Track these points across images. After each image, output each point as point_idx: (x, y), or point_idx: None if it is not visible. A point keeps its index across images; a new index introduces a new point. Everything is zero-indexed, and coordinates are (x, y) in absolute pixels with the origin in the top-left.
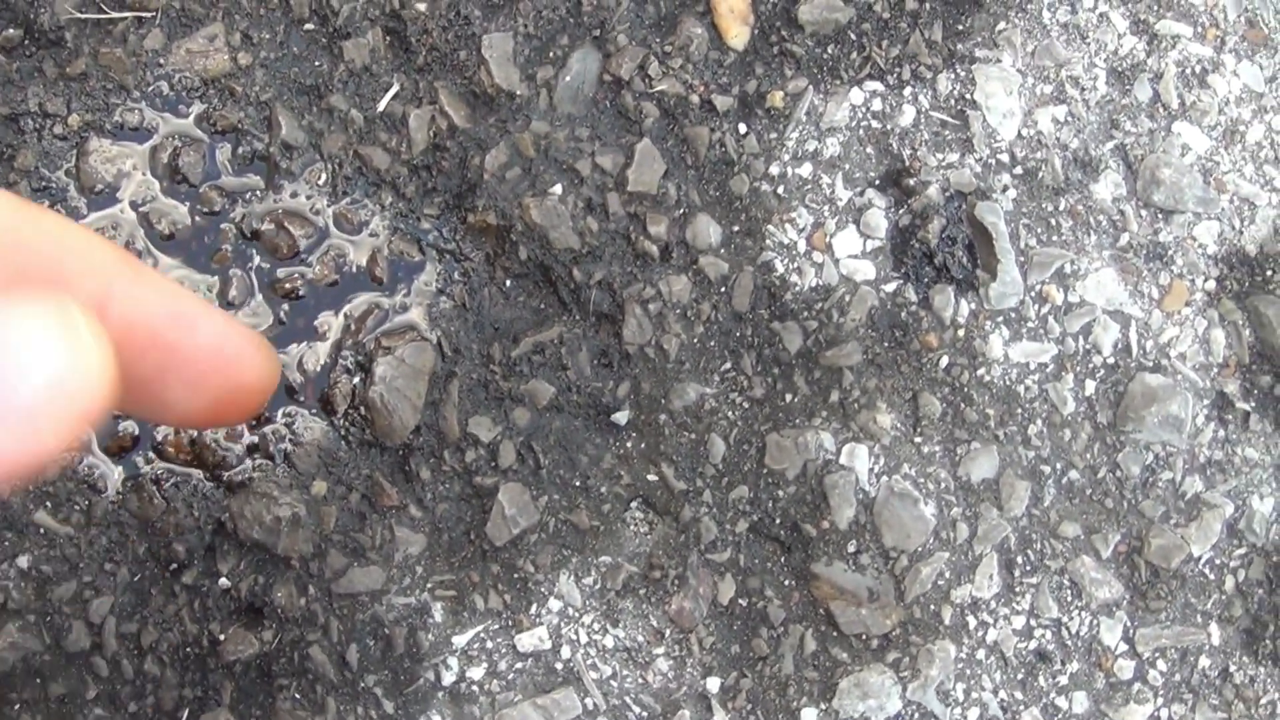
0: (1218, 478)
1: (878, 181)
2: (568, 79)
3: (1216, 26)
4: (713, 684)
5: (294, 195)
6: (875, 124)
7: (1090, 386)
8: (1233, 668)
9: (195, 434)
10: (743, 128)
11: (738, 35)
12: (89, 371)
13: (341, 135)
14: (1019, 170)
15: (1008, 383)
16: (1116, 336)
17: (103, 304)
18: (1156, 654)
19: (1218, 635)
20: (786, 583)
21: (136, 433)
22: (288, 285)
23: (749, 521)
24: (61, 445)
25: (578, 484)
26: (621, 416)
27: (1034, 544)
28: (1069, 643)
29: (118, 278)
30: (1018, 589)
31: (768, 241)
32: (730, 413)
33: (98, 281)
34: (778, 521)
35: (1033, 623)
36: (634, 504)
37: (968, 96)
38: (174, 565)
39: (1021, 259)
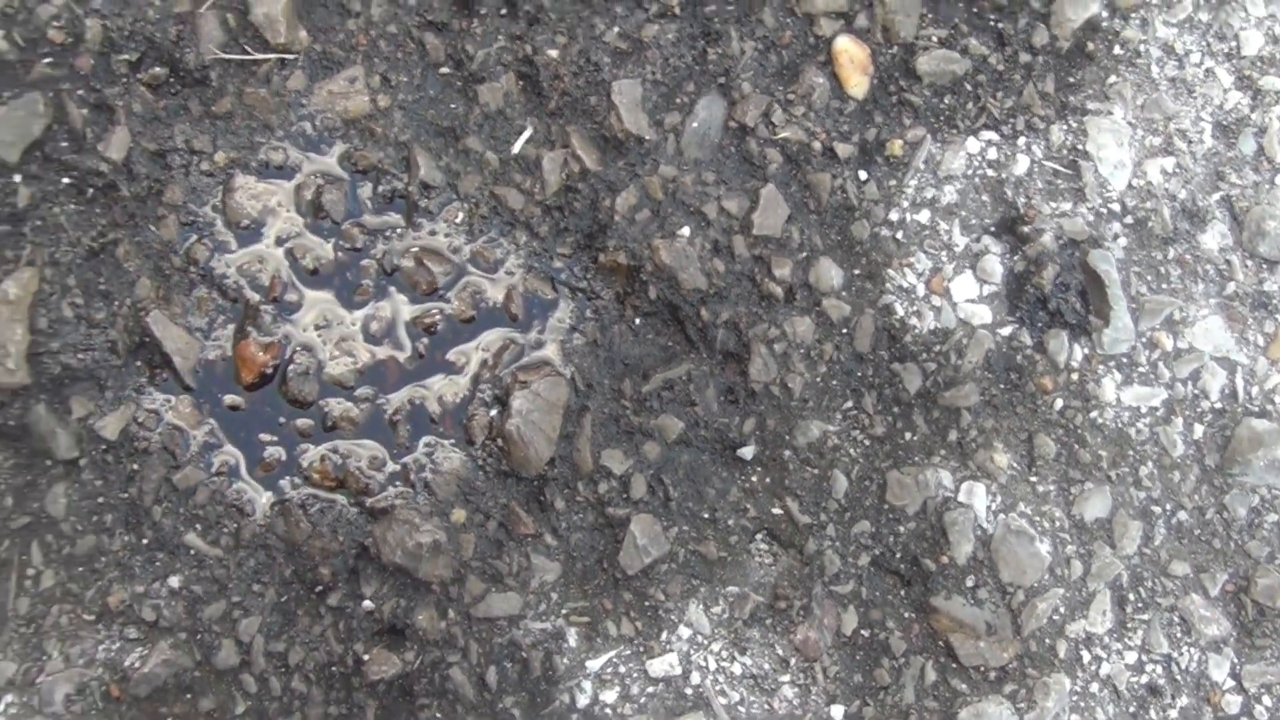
0: None
1: (993, 228)
2: (694, 125)
3: None
4: (836, 712)
5: (432, 233)
6: (991, 172)
7: (1199, 430)
8: None
9: (340, 459)
10: (863, 174)
11: (858, 85)
12: None
13: (477, 176)
14: (1129, 219)
15: (1119, 425)
16: (1224, 382)
17: None
18: (1262, 690)
19: None
20: (907, 615)
21: (283, 457)
22: (427, 320)
23: (871, 555)
24: None
25: (706, 516)
26: (747, 451)
27: (1145, 581)
28: (1179, 678)
29: None
30: (1129, 625)
31: (888, 285)
32: (852, 450)
33: None
34: (898, 556)
35: (1144, 658)
36: (759, 536)
37: (1080, 147)
38: (319, 587)
39: (1133, 306)
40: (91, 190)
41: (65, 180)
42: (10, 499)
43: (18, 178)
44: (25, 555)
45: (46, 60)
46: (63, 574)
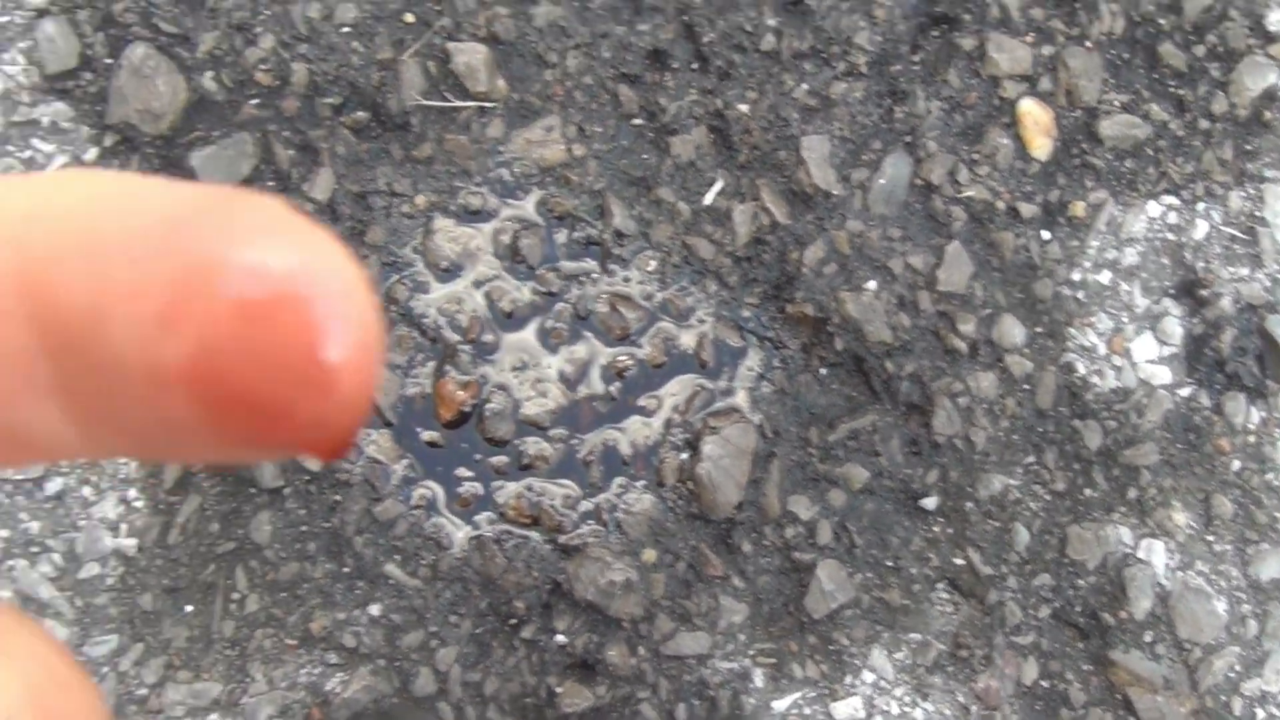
0: None
1: (1173, 291)
2: (881, 181)
3: None
4: None
5: (626, 280)
6: (1170, 236)
7: None
8: None
9: (535, 497)
10: (1045, 234)
11: (1041, 147)
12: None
13: (669, 225)
14: None
15: None
16: None
17: (20, 233)
18: None
19: None
20: (1085, 668)
21: (480, 493)
22: (619, 364)
23: (1051, 608)
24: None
25: (889, 564)
26: (930, 502)
27: None
28: None
29: (43, 198)
30: None
31: (1069, 344)
32: (1033, 504)
33: (12, 209)
34: (1078, 609)
35: None
36: (941, 585)
37: (1257, 214)
38: (514, 620)
39: None
40: None
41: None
42: (217, 525)
43: None
44: (230, 580)
45: (254, 102)
46: (267, 599)
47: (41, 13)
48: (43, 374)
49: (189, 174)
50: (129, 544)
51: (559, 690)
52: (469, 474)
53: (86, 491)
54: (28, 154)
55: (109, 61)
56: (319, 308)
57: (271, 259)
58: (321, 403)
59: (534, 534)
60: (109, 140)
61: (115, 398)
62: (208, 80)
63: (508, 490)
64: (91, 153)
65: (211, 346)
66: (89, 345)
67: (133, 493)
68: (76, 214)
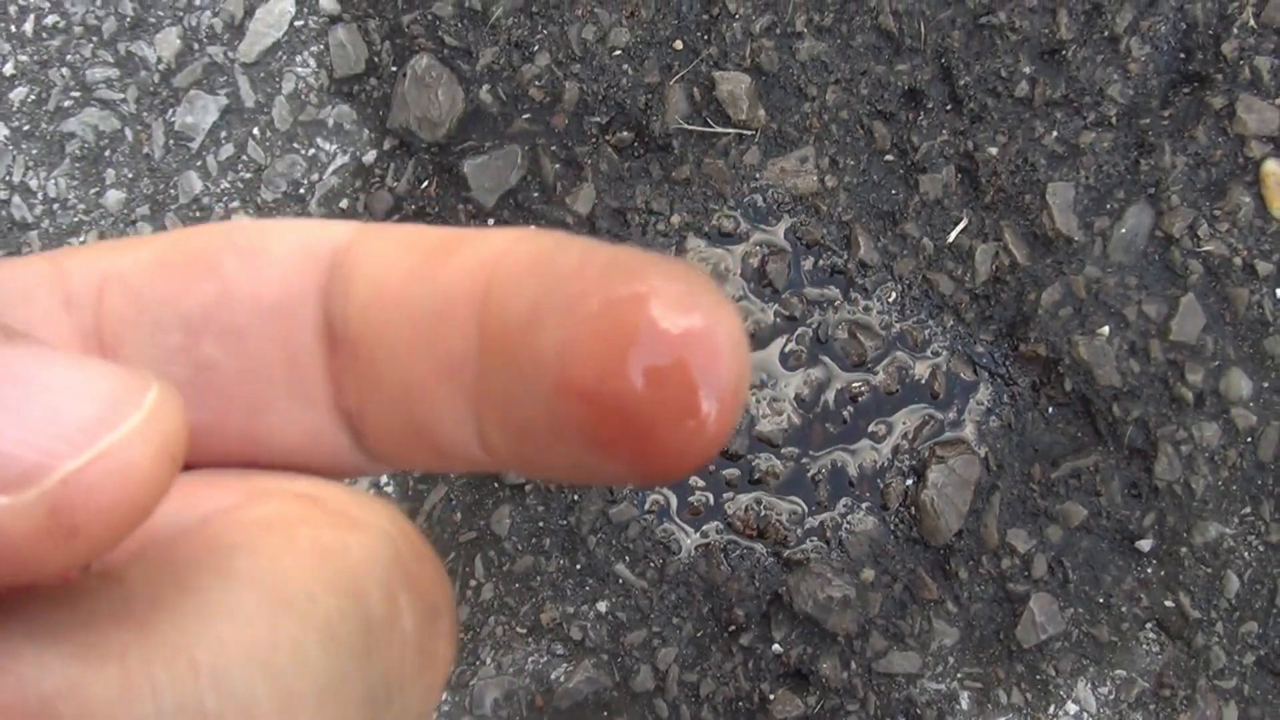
0: None
1: None
2: (1122, 230)
3: None
4: None
5: (866, 309)
6: None
7: None
8: None
9: (763, 510)
10: (1279, 293)
11: None
12: (132, 439)
13: (912, 260)
14: None
15: None
16: None
17: (495, 261)
18: None
19: None
20: None
21: (710, 503)
22: (854, 390)
23: (1256, 655)
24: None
25: (1100, 600)
26: (1145, 544)
27: None
28: None
29: (516, 239)
30: None
31: None
32: (1246, 553)
33: (490, 249)
34: None
35: None
36: (1149, 625)
37: None
38: (733, 627)
39: None
40: None
41: (533, 227)
42: (460, 514)
43: (491, 222)
44: (469, 568)
45: (525, 116)
46: (501, 588)
47: (335, 19)
48: (469, 376)
49: (460, 180)
50: None
51: (772, 697)
52: (701, 484)
53: None
54: (312, 152)
55: (394, 69)
56: (710, 364)
57: (685, 318)
58: (688, 438)
59: (759, 546)
60: (388, 144)
61: (520, 404)
62: (484, 93)
63: (737, 502)
64: (371, 155)
65: (615, 373)
66: (518, 350)
67: (384, 479)
68: (535, 248)
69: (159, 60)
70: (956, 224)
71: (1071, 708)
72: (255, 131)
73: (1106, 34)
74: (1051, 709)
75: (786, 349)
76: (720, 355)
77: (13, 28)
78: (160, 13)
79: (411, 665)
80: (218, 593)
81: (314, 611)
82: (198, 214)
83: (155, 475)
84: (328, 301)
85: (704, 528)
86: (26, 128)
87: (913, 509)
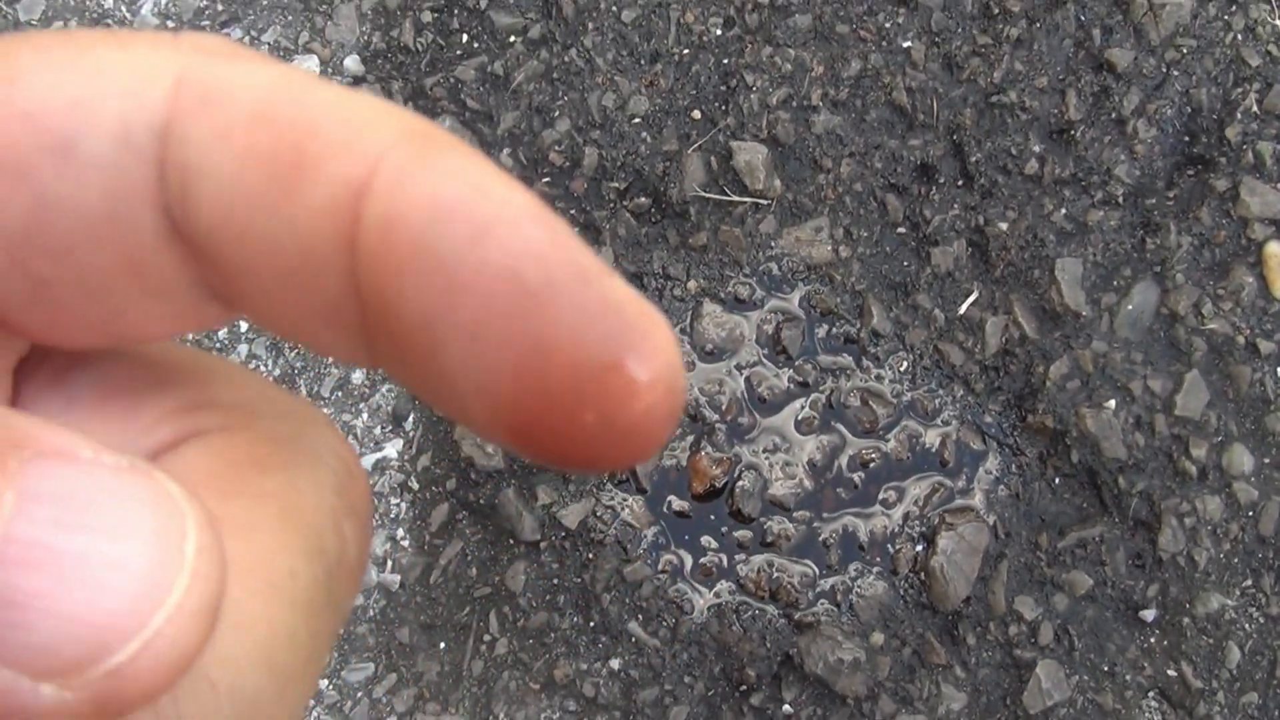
0: None
1: None
2: (1129, 307)
3: None
4: None
5: (878, 378)
6: None
7: None
8: None
9: (775, 573)
10: None
11: None
12: (178, 615)
13: (924, 330)
14: None
15: None
16: None
17: (361, 190)
18: None
19: None
20: None
21: (723, 564)
22: (865, 456)
23: None
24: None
25: (1105, 669)
26: (1149, 614)
27: None
28: None
29: (390, 155)
30: None
31: None
32: (1247, 625)
33: (360, 159)
34: None
35: None
36: (1152, 694)
37: None
38: (744, 687)
39: None
40: None
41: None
42: (475, 569)
43: None
44: (484, 622)
45: (545, 180)
46: (515, 644)
47: (359, 80)
48: (352, 318)
49: None
50: (393, 580)
51: None
52: (714, 545)
53: None
54: None
55: None
56: (633, 359)
57: (645, 370)
58: (620, 410)
59: (770, 607)
60: None
61: (427, 383)
62: (505, 156)
63: (750, 564)
64: None
65: (555, 423)
66: (417, 352)
67: (401, 532)
68: (405, 214)
69: None
70: (967, 296)
71: None
72: None
73: (1114, 116)
74: None
75: (800, 415)
76: (643, 338)
77: None
78: None
79: (352, 587)
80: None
81: (296, 587)
82: None
83: (201, 639)
84: (166, 208)
85: (716, 588)
86: None
87: (922, 575)
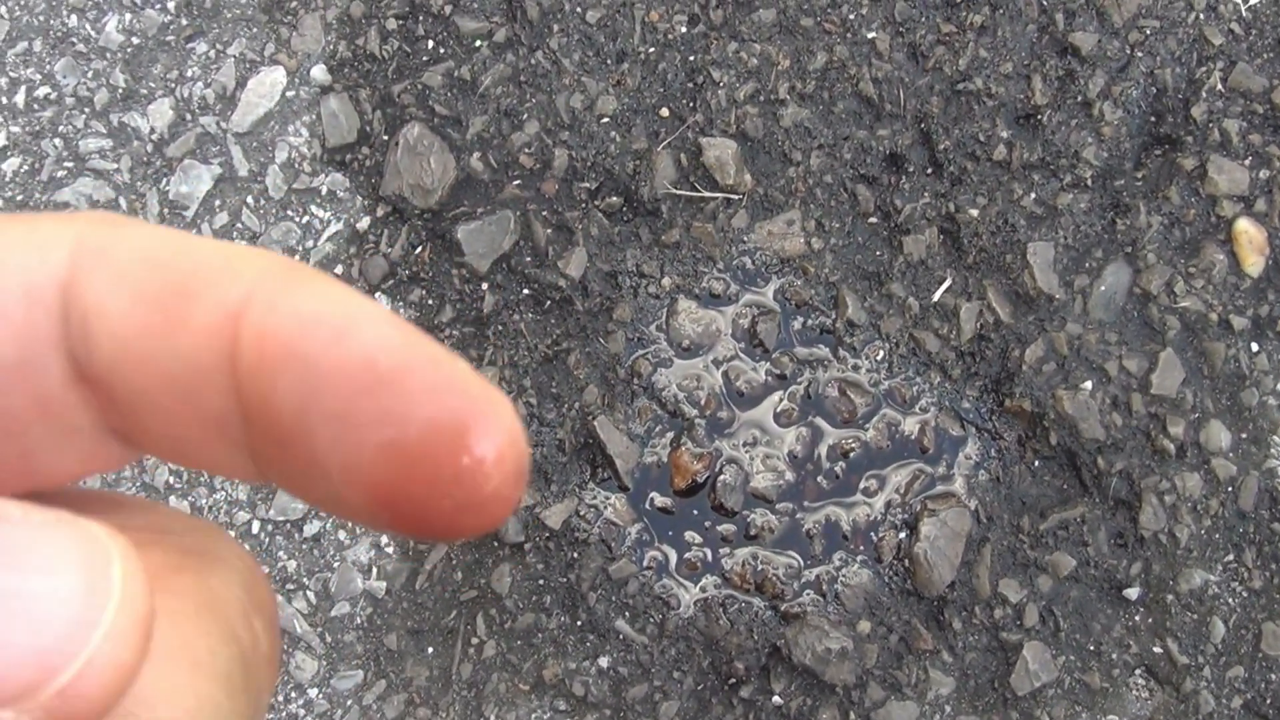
0: None
1: None
2: (1102, 288)
3: None
4: None
5: (855, 368)
6: None
7: None
8: None
9: (759, 565)
10: (1255, 346)
11: (1254, 264)
12: (106, 641)
13: (899, 319)
14: None
15: None
16: None
17: (237, 314)
18: None
19: None
20: None
21: (707, 559)
22: (845, 446)
23: (1243, 699)
24: None
25: (1091, 648)
26: (1132, 592)
27: None
28: None
29: (261, 283)
30: None
31: (1272, 450)
32: (1230, 599)
33: (235, 289)
34: (1269, 702)
35: None
36: (1139, 671)
37: None
38: (733, 680)
39: None
40: (549, 302)
41: (526, 291)
42: (461, 574)
43: (485, 286)
44: (471, 625)
45: (516, 182)
46: (503, 645)
47: (326, 89)
48: (237, 430)
49: (454, 245)
50: (379, 586)
51: None
52: (698, 540)
53: (342, 536)
54: (306, 219)
55: (385, 138)
56: (474, 448)
57: (487, 442)
58: (464, 511)
59: (756, 600)
60: (381, 211)
61: (303, 474)
62: (475, 160)
63: (734, 557)
64: (365, 221)
65: (420, 499)
66: (292, 441)
67: (385, 539)
68: (279, 324)
69: (152, 131)
70: (941, 283)
71: None
72: (249, 200)
73: (1080, 99)
74: None
75: (779, 407)
76: (488, 424)
77: (4, 99)
78: (152, 84)
79: (269, 676)
80: (151, 676)
81: (216, 664)
82: None
83: (138, 654)
84: (70, 350)
85: (702, 583)
86: (20, 198)
87: (906, 561)
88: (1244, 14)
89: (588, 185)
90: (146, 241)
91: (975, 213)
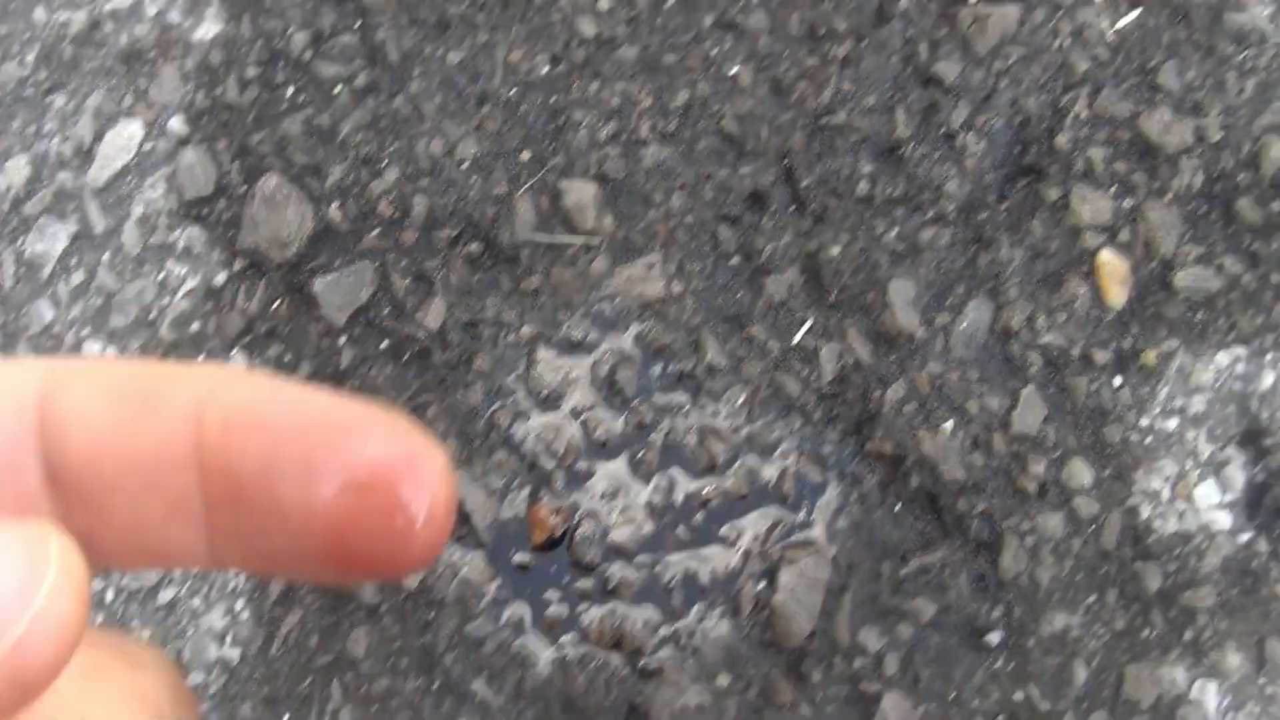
0: None
1: (1238, 439)
2: (963, 325)
3: None
4: None
5: (715, 414)
6: (1238, 385)
7: None
8: None
9: (618, 620)
10: (1118, 380)
11: (1117, 296)
12: (54, 593)
13: (760, 362)
14: None
15: None
16: None
17: (202, 400)
18: None
19: None
20: None
21: (565, 615)
22: (704, 495)
23: None
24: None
25: (952, 697)
26: (994, 638)
27: None
28: None
29: (220, 378)
30: None
31: (1135, 487)
32: (1092, 642)
33: (200, 383)
34: None
35: None
36: (1000, 719)
37: None
38: None
39: None
40: (408, 355)
41: (385, 344)
42: (316, 638)
43: (343, 339)
44: (326, 691)
45: (375, 232)
46: (359, 712)
47: (184, 141)
48: (196, 511)
49: (311, 300)
50: (233, 654)
51: None
52: (556, 596)
53: (196, 602)
54: (162, 276)
55: (243, 189)
56: (413, 486)
57: (397, 457)
58: (407, 544)
59: (614, 657)
60: (239, 265)
61: (259, 539)
62: (334, 210)
63: (592, 613)
64: (221, 276)
65: (355, 514)
66: (254, 502)
67: (239, 604)
68: (242, 399)
69: (9, 188)
70: (802, 325)
71: None
72: (105, 257)
73: (943, 130)
74: None
75: (638, 457)
76: (424, 481)
77: None
78: (9, 140)
79: None
80: None
81: None
82: (50, 343)
83: (80, 613)
84: (45, 452)
85: (561, 640)
86: None
87: (765, 612)
88: (1109, 38)
89: (448, 232)
90: (113, 363)
91: (837, 251)
